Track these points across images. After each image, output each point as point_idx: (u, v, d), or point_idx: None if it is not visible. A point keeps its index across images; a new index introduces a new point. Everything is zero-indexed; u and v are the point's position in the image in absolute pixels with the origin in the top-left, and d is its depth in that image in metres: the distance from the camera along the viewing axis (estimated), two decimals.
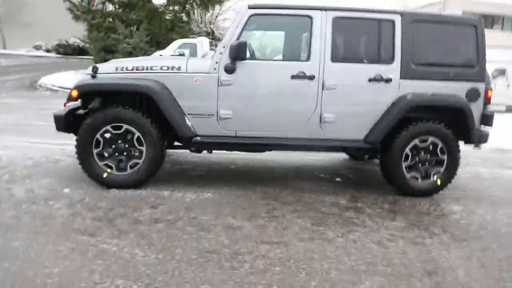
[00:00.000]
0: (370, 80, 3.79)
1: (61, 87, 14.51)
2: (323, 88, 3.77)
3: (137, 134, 3.66)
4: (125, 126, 3.65)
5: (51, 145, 5.40)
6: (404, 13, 3.83)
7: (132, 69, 3.74)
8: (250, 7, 3.70)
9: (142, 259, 2.51)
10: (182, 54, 11.58)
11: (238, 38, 3.67)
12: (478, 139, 3.99)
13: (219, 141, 3.84)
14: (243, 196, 3.75)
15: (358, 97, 3.84)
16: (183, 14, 16.85)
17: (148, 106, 3.80)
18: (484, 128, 4.03)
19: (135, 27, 15.15)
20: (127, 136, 3.69)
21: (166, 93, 3.64)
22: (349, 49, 3.90)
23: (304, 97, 3.79)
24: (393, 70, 3.81)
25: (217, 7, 18.45)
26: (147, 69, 3.73)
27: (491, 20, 27.30)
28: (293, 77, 3.74)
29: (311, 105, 3.80)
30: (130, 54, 14.50)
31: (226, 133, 3.82)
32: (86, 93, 3.64)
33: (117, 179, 3.73)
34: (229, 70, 3.67)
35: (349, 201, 3.76)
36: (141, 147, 3.70)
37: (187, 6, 16.36)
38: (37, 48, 27.06)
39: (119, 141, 3.70)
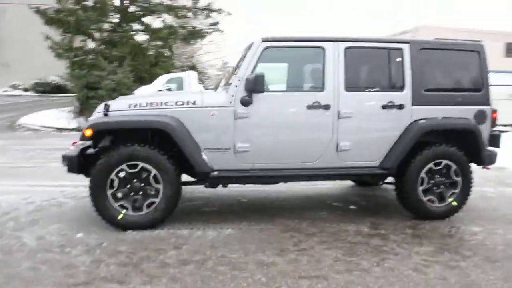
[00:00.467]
0: (383, 107, 3.86)
1: (42, 126, 14.21)
2: (338, 117, 3.80)
3: (154, 172, 3.55)
4: (141, 164, 3.54)
5: (49, 187, 5.19)
6: (412, 41, 3.96)
7: (146, 105, 3.68)
8: (264, 40, 3.75)
9: None
10: (169, 89, 11.59)
11: (253, 71, 3.69)
12: (488, 160, 4.07)
13: (236, 175, 3.78)
14: (264, 230, 3.66)
15: (373, 124, 3.88)
16: (166, 50, 16.99)
17: (161, 143, 3.71)
18: (492, 149, 4.13)
19: (118, 63, 15.12)
20: (143, 174, 3.57)
21: (182, 129, 3.58)
22: (362, 78, 3.99)
23: (320, 126, 3.80)
24: (404, 96, 3.89)
25: (198, 41, 18.70)
26: (161, 105, 3.68)
27: None
28: (309, 107, 3.76)
29: (327, 134, 3.81)
30: (113, 91, 14.41)
31: (243, 167, 3.76)
32: (100, 131, 3.54)
33: (133, 220, 3.57)
34: (246, 102, 3.66)
35: (371, 229, 3.72)
36: (157, 185, 3.58)
37: (169, 41, 16.52)
38: (15, 87, 26.52)
39: (135, 180, 3.57)
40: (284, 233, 3.59)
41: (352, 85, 3.84)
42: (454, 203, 3.99)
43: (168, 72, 16.24)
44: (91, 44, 16.16)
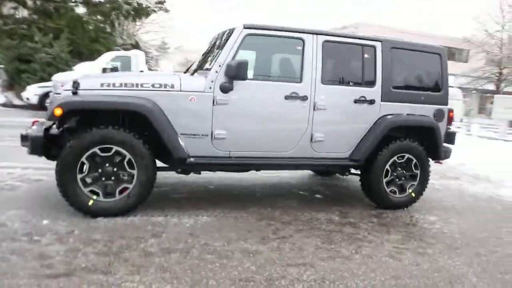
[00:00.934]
0: (355, 101, 4.01)
1: None
2: (314, 109, 3.88)
3: (128, 156, 3.37)
4: (115, 148, 3.34)
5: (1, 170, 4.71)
6: (383, 39, 4.15)
7: (120, 86, 3.45)
8: (245, 27, 3.69)
9: None
10: (115, 68, 10.93)
11: (234, 57, 3.62)
12: (443, 155, 4.44)
13: (213, 162, 3.72)
14: (239, 218, 3.66)
15: (345, 117, 4.03)
16: (107, 25, 15.98)
17: (131, 126, 3.51)
18: (447, 145, 4.50)
19: (54, 36, 13.94)
20: (116, 158, 3.37)
21: (160, 112, 3.43)
22: (337, 72, 4.09)
23: (297, 117, 3.86)
24: (375, 92, 4.08)
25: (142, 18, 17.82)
26: (136, 86, 3.48)
27: None
28: (286, 97, 3.80)
29: (303, 125, 3.89)
30: (49, 65, 13.33)
31: (220, 154, 3.70)
32: (71, 111, 3.26)
33: (105, 206, 3.37)
34: (226, 89, 3.59)
35: (340, 217, 3.89)
36: (132, 171, 3.41)
37: (112, 16, 15.55)
38: None
39: (107, 165, 3.36)
40: (260, 221, 3.62)
41: (327, 78, 3.94)
42: (413, 194, 4.31)
43: (109, 49, 15.32)
44: (23, 12, 14.68)
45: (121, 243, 2.91)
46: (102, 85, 3.44)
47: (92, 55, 14.62)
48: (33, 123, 3.67)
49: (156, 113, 3.39)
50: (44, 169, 4.84)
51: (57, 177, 3.28)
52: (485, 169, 6.54)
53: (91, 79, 3.59)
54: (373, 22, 28.86)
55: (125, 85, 3.47)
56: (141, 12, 16.05)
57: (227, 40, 3.73)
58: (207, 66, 3.92)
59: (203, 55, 4.50)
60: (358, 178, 4.40)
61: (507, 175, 6.04)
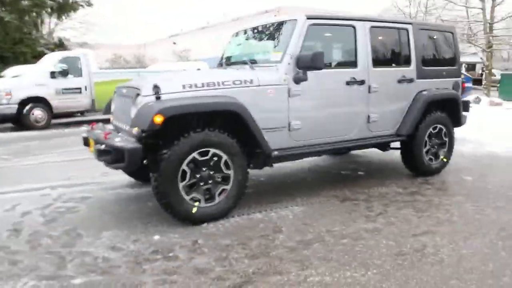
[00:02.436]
0: (399, 81, 4.35)
1: None
2: (369, 91, 4.13)
3: (225, 157, 3.30)
4: (212, 150, 3.24)
5: (22, 193, 4.21)
6: (413, 22, 4.52)
7: (203, 86, 3.33)
8: (308, 17, 3.77)
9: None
10: (65, 70, 10.01)
11: (301, 48, 3.69)
12: (463, 121, 5.02)
13: (291, 153, 3.77)
14: (323, 202, 3.80)
15: (392, 96, 4.35)
16: (28, 25, 14.32)
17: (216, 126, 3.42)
18: (464, 112, 5.09)
19: None
20: (214, 161, 3.27)
21: (247, 110, 3.39)
22: (382, 55, 4.37)
23: (356, 100, 4.09)
24: (411, 71, 4.46)
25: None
26: (218, 85, 3.39)
27: None
28: (347, 83, 3.99)
29: (362, 108, 4.12)
30: None
31: (296, 144, 3.78)
32: (170, 117, 3.05)
33: (207, 211, 3.28)
34: (300, 80, 3.66)
35: (402, 189, 4.23)
36: (228, 171, 3.34)
37: (33, 13, 13.97)
38: None
39: (204, 169, 3.25)
40: (343, 202, 3.81)
41: (376, 62, 4.20)
42: (445, 159, 4.83)
43: (34, 50, 13.92)
44: None
45: (257, 243, 2.90)
46: (184, 86, 3.28)
47: (17, 59, 13.14)
48: (92, 126, 3.42)
49: (246, 110, 3.35)
50: (75, 186, 4.48)
51: (159, 189, 3.10)
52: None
53: (170, 81, 3.39)
54: (297, 5, 29.74)
55: (207, 84, 3.35)
56: (66, 8, 14.65)
57: (291, 31, 3.76)
58: (261, 57, 3.95)
59: (229, 49, 4.54)
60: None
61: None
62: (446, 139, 4.81)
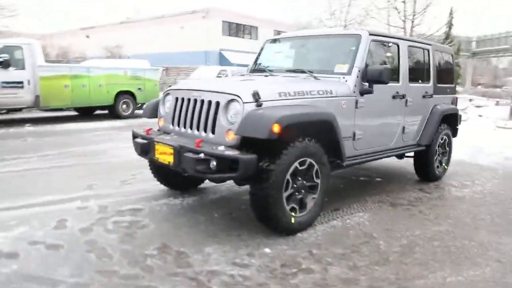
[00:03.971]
0: (423, 96, 4.83)
1: None
2: (406, 105, 4.52)
3: (316, 166, 3.34)
4: (308, 160, 3.26)
5: (48, 207, 3.72)
6: (432, 44, 5.04)
7: (294, 95, 3.34)
8: (370, 34, 4.00)
9: None
10: (6, 61, 8.73)
11: (365, 62, 3.91)
12: (456, 134, 5.72)
13: (353, 162, 3.95)
14: (376, 208, 4.05)
15: (418, 110, 4.80)
16: None
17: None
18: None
19: None
20: (308, 171, 3.30)
21: (336, 119, 3.49)
22: (413, 72, 4.77)
23: (397, 113, 4.44)
24: (430, 87, 4.97)
25: None
26: (307, 94, 3.43)
27: (247, 30, 32.41)
28: (393, 97, 4.32)
29: (401, 119, 4.50)
30: None
31: (356, 153, 3.98)
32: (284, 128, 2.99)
33: (302, 220, 3.30)
34: (366, 92, 3.87)
35: (426, 193, 4.69)
36: (317, 180, 3.39)
37: None
38: None
39: (299, 178, 3.26)
40: (394, 207, 4.11)
41: (411, 78, 4.61)
42: (446, 167, 5.47)
43: None
44: None
45: (367, 250, 3.02)
46: (280, 94, 3.26)
47: None
48: (148, 131, 3.52)
49: (336, 120, 3.45)
50: (106, 196, 4.07)
51: (262, 201, 3.04)
52: None
53: (267, 88, 3.29)
54: (224, 8, 29.89)
55: (298, 93, 3.37)
56: None
57: (356, 45, 3.94)
58: (318, 68, 4.06)
59: (267, 56, 4.59)
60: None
61: None
62: (448, 149, 5.45)
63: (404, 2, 18.97)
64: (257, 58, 4.94)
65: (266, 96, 3.16)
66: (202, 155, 3.00)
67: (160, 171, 4.16)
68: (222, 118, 3.18)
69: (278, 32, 33.85)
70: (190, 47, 28.96)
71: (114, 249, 2.88)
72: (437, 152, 5.20)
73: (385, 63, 4.30)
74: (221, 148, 3.04)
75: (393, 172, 5.76)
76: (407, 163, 5.58)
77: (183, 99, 3.59)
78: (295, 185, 3.22)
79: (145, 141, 3.59)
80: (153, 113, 4.01)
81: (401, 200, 4.35)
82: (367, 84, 3.85)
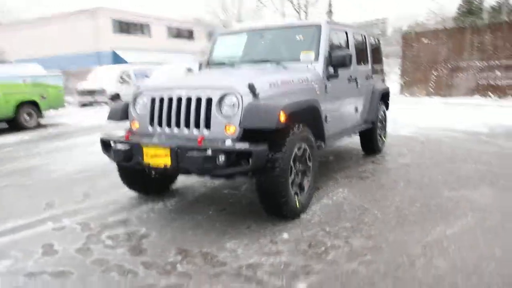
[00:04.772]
0: (366, 77, 5.30)
1: None
2: (357, 87, 4.92)
3: (308, 150, 3.49)
4: (303, 145, 3.39)
5: (29, 230, 3.24)
6: (368, 31, 5.52)
7: (281, 85, 3.43)
8: (328, 23, 4.25)
9: None
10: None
11: (328, 49, 4.16)
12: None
13: (329, 143, 4.20)
14: (353, 181, 4.38)
15: (364, 90, 5.25)
16: None
17: None
18: None
19: None
20: (303, 155, 3.42)
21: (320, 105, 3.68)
22: (357, 56, 5.17)
23: (352, 94, 4.82)
24: (370, 70, 5.47)
25: None
26: (290, 83, 3.54)
27: (139, 27, 30.74)
28: (348, 80, 4.67)
29: (355, 100, 4.90)
30: None
31: (328, 135, 4.23)
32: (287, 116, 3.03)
33: (303, 202, 3.43)
34: (332, 77, 4.13)
35: (367, 162, 5.20)
36: (309, 164, 3.54)
37: None
38: None
39: (297, 163, 3.37)
40: (362, 179, 4.48)
41: (357, 61, 5.01)
42: (384, 139, 6.09)
43: None
44: None
45: (370, 220, 3.27)
46: (270, 85, 3.33)
47: None
48: (127, 136, 3.40)
49: (320, 105, 3.62)
50: (81, 212, 3.71)
51: (272, 190, 3.10)
52: None
53: (259, 80, 3.27)
54: (112, 6, 28.11)
55: (283, 83, 3.46)
56: None
57: (317, 34, 4.15)
58: (280, 57, 4.20)
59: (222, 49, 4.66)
60: None
61: None
62: (384, 123, 6.07)
63: None
64: (211, 52, 4.87)
65: (259, 87, 3.18)
66: (209, 152, 2.92)
67: (133, 177, 3.90)
68: (217, 113, 3.12)
69: (172, 29, 33.25)
70: (81, 48, 26.76)
71: (133, 263, 2.66)
72: (379, 127, 5.76)
73: (338, 48, 4.61)
74: (229, 142, 2.99)
75: (339, 151, 6.21)
76: (346, 142, 6.09)
77: (162, 99, 3.40)
78: (295, 170, 3.33)
79: (127, 146, 3.33)
80: (123, 115, 3.72)
81: (364, 173, 4.75)
82: (332, 69, 4.12)
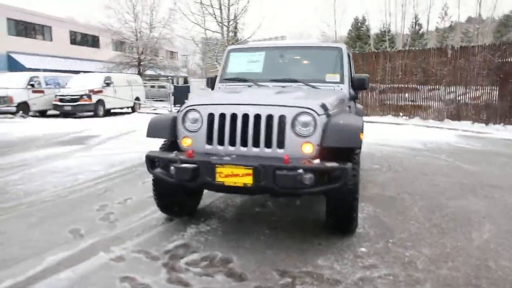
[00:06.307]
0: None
1: None
2: (355, 106, 5.35)
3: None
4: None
5: (75, 266, 2.85)
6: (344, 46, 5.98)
7: (335, 106, 3.63)
8: (345, 47, 4.60)
9: None
10: None
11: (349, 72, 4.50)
12: None
13: None
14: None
15: (355, 110, 5.71)
16: None
17: None
18: None
19: None
20: None
21: None
22: None
23: (358, 113, 5.21)
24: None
25: None
26: (338, 104, 3.76)
27: (40, 30, 27.44)
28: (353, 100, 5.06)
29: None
30: None
31: None
32: None
33: None
34: (354, 98, 4.48)
35: None
36: None
37: None
38: None
39: None
40: (369, 194, 4.87)
41: None
42: None
43: None
44: None
45: (407, 227, 3.63)
46: (332, 106, 3.48)
47: None
48: (190, 154, 3.26)
49: None
50: (121, 239, 3.41)
51: (350, 205, 3.27)
52: None
53: (325, 100, 3.40)
54: (6, 3, 24.67)
55: (335, 104, 3.62)
56: None
57: (339, 56, 4.45)
58: (306, 78, 4.39)
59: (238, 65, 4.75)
60: None
61: None
62: None
63: (220, 9, 20.47)
64: (224, 68, 4.82)
65: (328, 108, 3.33)
66: (301, 171, 2.96)
67: (171, 198, 3.70)
68: (291, 132, 3.17)
69: (76, 34, 30.52)
70: None
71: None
72: None
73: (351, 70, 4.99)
74: (317, 161, 3.06)
75: None
76: None
77: (223, 115, 3.31)
78: None
79: (194, 165, 3.15)
80: (170, 133, 3.50)
81: (369, 184, 5.15)
82: (352, 91, 4.46)
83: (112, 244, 3.23)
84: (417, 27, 39.52)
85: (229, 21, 20.67)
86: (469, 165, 6.58)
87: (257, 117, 3.22)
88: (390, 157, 7.24)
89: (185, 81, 27.89)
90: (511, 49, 12.72)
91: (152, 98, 25.85)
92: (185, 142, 3.42)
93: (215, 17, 20.49)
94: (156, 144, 3.78)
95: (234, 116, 3.27)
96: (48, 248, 3.15)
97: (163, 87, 27.54)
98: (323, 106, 3.22)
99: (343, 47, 4.58)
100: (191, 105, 3.45)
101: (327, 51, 4.64)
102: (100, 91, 16.32)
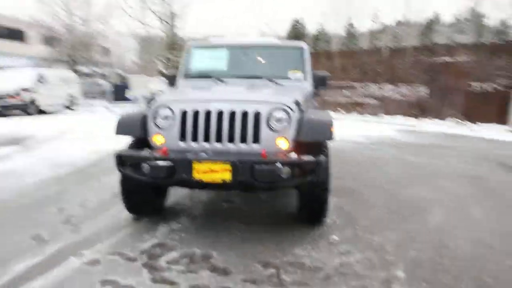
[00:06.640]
0: None
1: None
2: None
3: None
4: None
5: (50, 270, 2.68)
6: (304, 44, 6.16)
7: (303, 102, 3.75)
8: (306, 45, 4.74)
9: None
10: None
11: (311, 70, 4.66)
12: None
13: None
14: None
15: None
16: None
17: None
18: None
19: None
20: None
21: None
22: None
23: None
24: None
25: None
26: (306, 99, 3.89)
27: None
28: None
29: None
30: None
31: None
32: None
33: None
34: (316, 95, 4.66)
35: None
36: None
37: None
38: None
39: None
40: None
41: None
42: None
43: None
44: None
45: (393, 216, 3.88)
46: (301, 102, 3.59)
47: None
48: (165, 152, 3.18)
49: None
50: (88, 242, 3.28)
51: (323, 197, 3.42)
52: None
53: (297, 96, 3.51)
54: None
55: (302, 100, 3.74)
56: None
57: (301, 55, 4.59)
58: (269, 74, 4.48)
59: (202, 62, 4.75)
60: None
61: None
62: None
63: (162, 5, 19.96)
64: (186, 64, 4.75)
65: (300, 104, 3.44)
66: (279, 165, 3.02)
67: (139, 197, 3.59)
68: (266, 128, 3.23)
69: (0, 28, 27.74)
70: None
71: (240, 284, 2.57)
72: None
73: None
74: (293, 155, 3.14)
75: None
76: None
77: (196, 112, 3.28)
78: None
79: (170, 163, 3.09)
80: (140, 130, 3.39)
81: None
82: (314, 88, 4.62)
83: (81, 248, 3.06)
84: (351, 28, 41.64)
85: (172, 17, 20.25)
86: (414, 157, 7.11)
87: (232, 113, 3.23)
88: (340, 151, 7.58)
89: (122, 77, 26.67)
90: (441, 51, 13.90)
91: (87, 96, 24.49)
92: (157, 139, 3.34)
93: (154, 13, 19.97)
94: (101, 143, 3.66)
95: (208, 113, 3.26)
96: (12, 256, 2.90)
97: (99, 84, 26.25)
98: (296, 103, 3.32)
99: (305, 45, 4.73)
100: (161, 103, 3.37)
101: (290, 49, 4.76)
102: (33, 89, 15.13)
